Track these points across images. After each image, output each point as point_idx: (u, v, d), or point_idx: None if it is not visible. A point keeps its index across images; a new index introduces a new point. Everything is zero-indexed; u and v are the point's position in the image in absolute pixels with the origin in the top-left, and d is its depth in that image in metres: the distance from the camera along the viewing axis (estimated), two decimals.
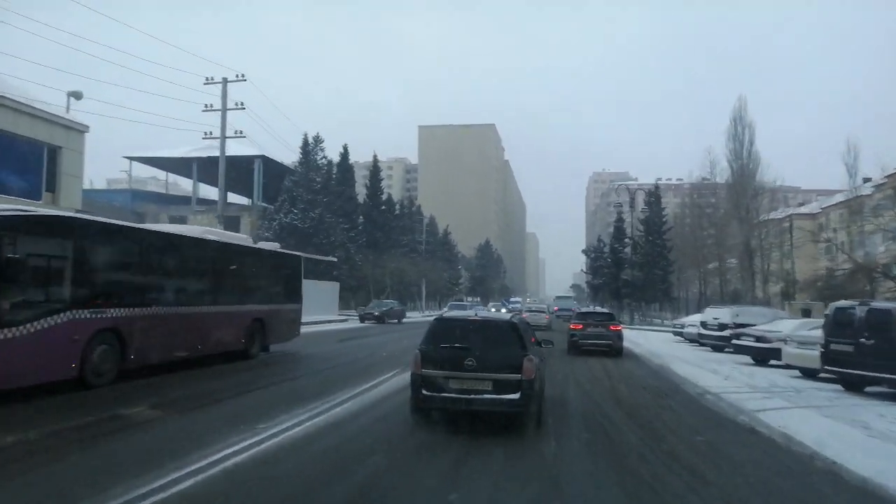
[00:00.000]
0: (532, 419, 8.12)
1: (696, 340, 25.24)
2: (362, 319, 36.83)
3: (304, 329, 19.89)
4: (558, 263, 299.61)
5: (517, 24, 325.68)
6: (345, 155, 55.74)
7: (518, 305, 52.37)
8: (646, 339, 29.70)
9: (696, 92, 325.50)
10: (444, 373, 7.75)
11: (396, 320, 38.78)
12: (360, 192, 62.82)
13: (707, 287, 60.64)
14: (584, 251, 66.53)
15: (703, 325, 22.80)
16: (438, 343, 8.04)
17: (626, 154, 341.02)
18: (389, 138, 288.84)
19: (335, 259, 42.09)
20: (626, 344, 21.99)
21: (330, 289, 40.13)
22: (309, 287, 40.09)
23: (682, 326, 28.67)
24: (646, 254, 48.41)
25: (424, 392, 7.82)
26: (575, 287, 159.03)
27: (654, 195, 50.12)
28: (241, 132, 25.05)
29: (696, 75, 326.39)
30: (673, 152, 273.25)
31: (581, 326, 20.79)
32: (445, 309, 36.41)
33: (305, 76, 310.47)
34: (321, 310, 37.33)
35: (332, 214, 47.59)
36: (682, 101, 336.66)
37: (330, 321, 34.88)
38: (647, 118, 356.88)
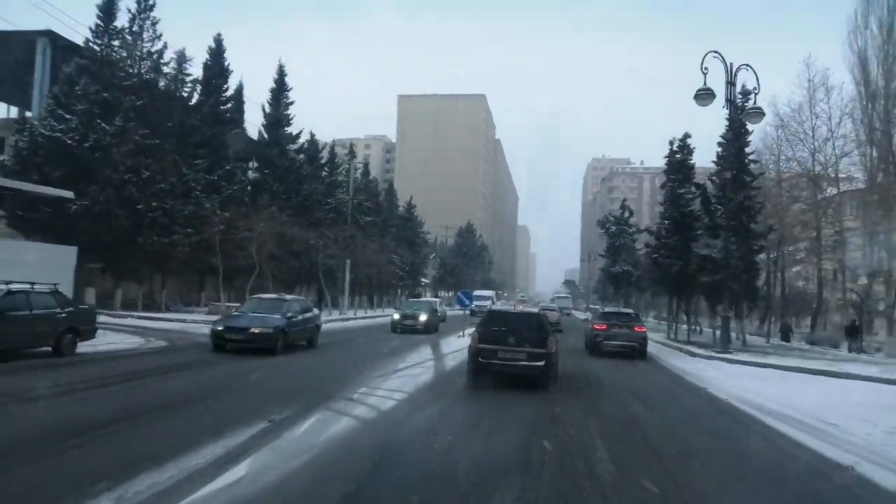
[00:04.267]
0: (551, 379, 11.41)
1: None
2: None
3: None
4: (550, 258, 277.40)
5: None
6: (217, 48, 33.30)
7: (486, 304, 32.34)
8: None
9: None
10: (495, 346, 11.08)
11: None
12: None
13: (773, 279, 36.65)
14: (599, 222, 44.51)
15: None
16: (490, 327, 11.60)
17: (625, 145, 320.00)
18: (370, 118, 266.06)
19: (70, 194, 19.87)
20: None
21: (52, 256, 15.86)
22: None
23: None
24: (736, 210, 24.32)
25: (480, 360, 11.11)
26: (568, 283, 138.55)
27: (744, 93, 22.35)
28: None
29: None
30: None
31: (605, 327, 20.39)
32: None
33: (273, 49, 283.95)
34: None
35: (157, 134, 25.63)
36: (679, 83, 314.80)
37: None
38: (646, 105, 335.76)
